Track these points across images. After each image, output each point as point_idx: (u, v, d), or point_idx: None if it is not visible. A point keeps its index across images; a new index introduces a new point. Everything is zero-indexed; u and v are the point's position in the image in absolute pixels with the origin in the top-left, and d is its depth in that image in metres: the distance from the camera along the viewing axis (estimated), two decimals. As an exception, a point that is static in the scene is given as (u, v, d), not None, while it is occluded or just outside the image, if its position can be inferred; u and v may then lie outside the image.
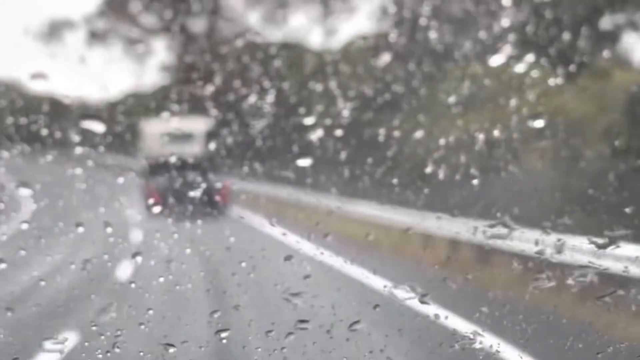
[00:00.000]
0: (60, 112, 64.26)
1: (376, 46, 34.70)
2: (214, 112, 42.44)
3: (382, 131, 32.68)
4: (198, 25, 58.45)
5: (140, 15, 61.51)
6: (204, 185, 26.52)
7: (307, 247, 15.18)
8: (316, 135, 36.59)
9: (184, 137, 29.81)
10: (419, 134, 33.00)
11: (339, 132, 34.35)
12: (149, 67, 63.75)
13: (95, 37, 64.80)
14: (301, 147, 41.40)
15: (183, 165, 27.66)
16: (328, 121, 35.49)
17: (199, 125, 30.46)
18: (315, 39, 54.66)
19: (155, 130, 30.52)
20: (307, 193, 27.78)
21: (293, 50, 45.40)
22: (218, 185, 28.50)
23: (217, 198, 28.11)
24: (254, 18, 53.98)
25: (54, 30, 65.81)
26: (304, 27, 50.15)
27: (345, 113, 34.31)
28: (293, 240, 15.84)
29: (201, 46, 53.54)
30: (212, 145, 28.92)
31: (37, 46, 65.69)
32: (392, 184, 29.76)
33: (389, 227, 19.63)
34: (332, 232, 19.92)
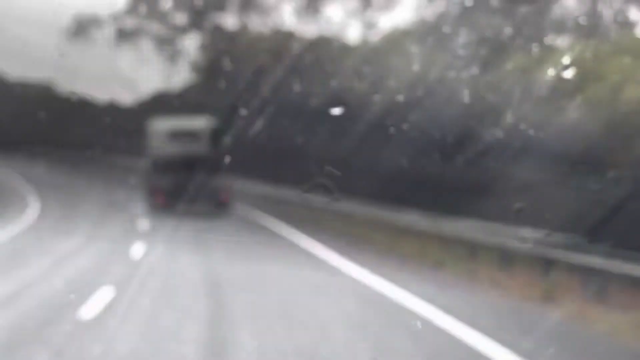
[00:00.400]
0: (89, 113, 61.44)
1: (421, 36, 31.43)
2: (231, 110, 39.76)
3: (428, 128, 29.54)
4: (229, 21, 55.66)
5: (169, 12, 58.86)
6: (206, 183, 26.98)
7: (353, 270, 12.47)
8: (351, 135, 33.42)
9: (189, 135, 29.59)
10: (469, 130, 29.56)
11: (379, 129, 31.26)
12: (178, 66, 61.01)
13: (124, 35, 62.16)
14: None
15: (187, 163, 27.32)
16: (367, 118, 32.34)
17: (204, 124, 30.35)
18: (352, 33, 51.68)
19: (161, 128, 30.29)
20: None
21: (326, 45, 42.23)
22: (220, 183, 27.95)
23: (219, 196, 27.67)
24: (287, 12, 51.06)
25: (81, 28, 63.22)
26: (340, 20, 47.11)
27: (386, 109, 31.19)
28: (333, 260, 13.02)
29: (231, 43, 50.49)
30: (217, 144, 28.56)
31: (66, 45, 63.09)
32: (445, 189, 26.47)
33: (449, 240, 16.13)
34: (380, 247, 17.03)
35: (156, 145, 29.26)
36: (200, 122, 30.59)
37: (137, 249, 17.06)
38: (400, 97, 30.82)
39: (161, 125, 30.76)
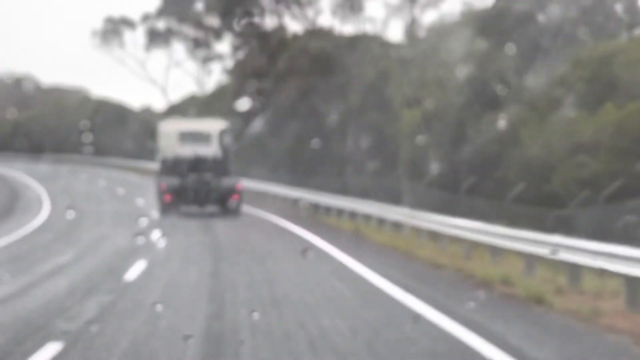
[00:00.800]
0: (122, 118, 59.31)
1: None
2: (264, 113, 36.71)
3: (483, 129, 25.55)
4: (266, 22, 52.12)
5: (202, 13, 55.51)
6: (216, 184, 26.46)
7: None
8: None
9: (200, 137, 28.80)
10: (531, 131, 25.40)
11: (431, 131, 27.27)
12: (210, 68, 57.63)
13: (155, 36, 58.72)
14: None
15: (197, 165, 27.22)
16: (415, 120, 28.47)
17: (214, 125, 29.69)
18: (393, 32, 47.39)
19: (172, 130, 29.41)
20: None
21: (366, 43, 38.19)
22: (230, 184, 27.03)
23: (229, 197, 26.67)
24: (325, 9, 47.21)
25: (112, 30, 59.74)
26: (380, 17, 42.91)
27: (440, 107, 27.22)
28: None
29: (267, 45, 46.87)
30: (227, 146, 28.08)
31: (97, 48, 59.74)
32: (504, 196, 22.30)
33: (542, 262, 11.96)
34: (445, 269, 12.95)
35: (166, 147, 28.47)
36: (210, 124, 30.23)
37: (137, 266, 13.21)
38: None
39: (171, 126, 29.98)
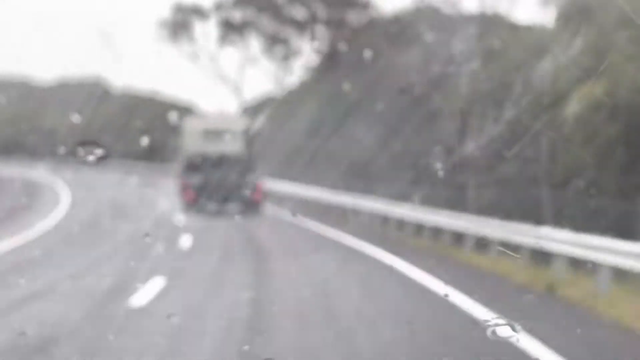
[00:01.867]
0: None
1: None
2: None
3: None
4: (354, 16, 45.30)
5: (283, 5, 47.21)
6: (238, 183, 26.20)
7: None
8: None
9: (224, 134, 28.36)
10: None
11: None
12: (290, 65, 48.92)
13: (229, 29, 50.02)
14: None
15: (220, 163, 27.12)
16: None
17: (238, 123, 29.73)
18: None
19: (196, 127, 28.93)
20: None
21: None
22: (252, 183, 26.85)
23: (251, 196, 26.34)
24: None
25: (181, 23, 51.36)
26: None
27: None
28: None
29: (356, 38, 39.78)
30: (251, 144, 28.15)
31: (165, 41, 51.15)
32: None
33: None
34: None
35: (189, 144, 28.05)
36: (234, 122, 29.95)
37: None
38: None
39: (195, 124, 29.49)
